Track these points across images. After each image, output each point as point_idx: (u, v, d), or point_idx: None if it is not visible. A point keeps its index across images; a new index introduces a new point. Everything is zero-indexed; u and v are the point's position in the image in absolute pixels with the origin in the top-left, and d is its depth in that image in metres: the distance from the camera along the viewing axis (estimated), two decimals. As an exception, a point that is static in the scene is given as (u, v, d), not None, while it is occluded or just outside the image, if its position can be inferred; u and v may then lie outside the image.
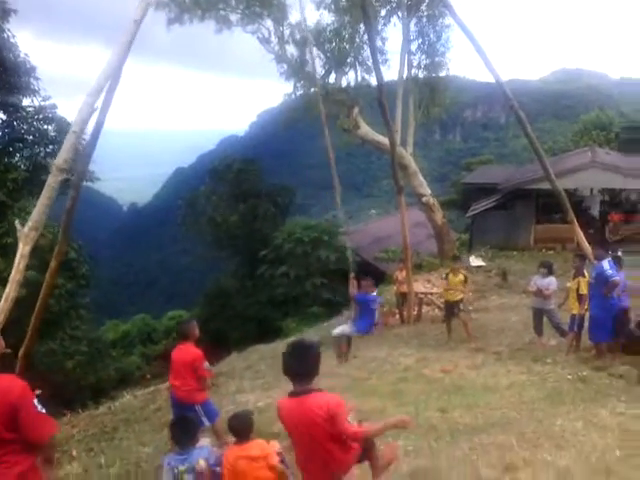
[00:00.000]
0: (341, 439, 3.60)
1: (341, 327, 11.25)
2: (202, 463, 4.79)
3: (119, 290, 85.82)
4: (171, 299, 56.95)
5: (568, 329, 9.67)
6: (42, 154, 19.71)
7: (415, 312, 14.86)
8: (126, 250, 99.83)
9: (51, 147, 20.52)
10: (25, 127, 19.63)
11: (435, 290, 16.62)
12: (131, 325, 35.84)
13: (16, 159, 20.21)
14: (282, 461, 4.83)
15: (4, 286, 16.84)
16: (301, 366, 3.57)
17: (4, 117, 20.05)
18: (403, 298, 14.63)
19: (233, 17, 21.62)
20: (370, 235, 29.18)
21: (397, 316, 15.13)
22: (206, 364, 6.34)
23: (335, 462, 3.67)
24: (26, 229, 6.40)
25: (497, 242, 21.40)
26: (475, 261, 19.14)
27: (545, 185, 12.15)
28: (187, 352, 6.33)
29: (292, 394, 3.60)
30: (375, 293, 11.39)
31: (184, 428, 4.80)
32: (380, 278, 20.81)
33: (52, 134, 20.02)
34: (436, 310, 15.32)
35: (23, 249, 6.34)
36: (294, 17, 20.85)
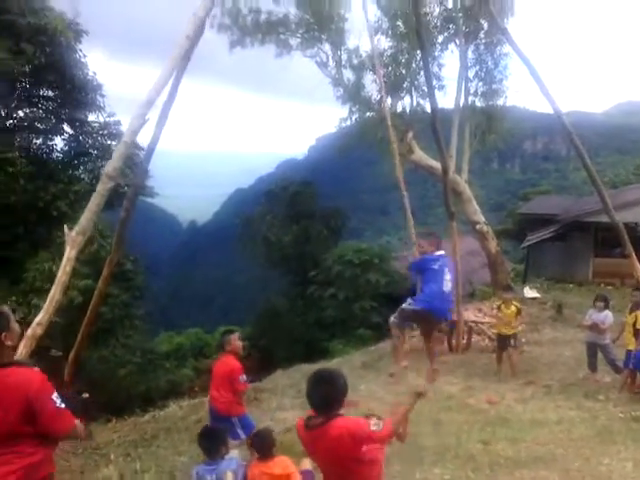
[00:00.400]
0: (366, 459, 3.46)
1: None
2: (230, 475, 4.80)
3: (176, 304, 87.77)
4: (226, 315, 57.68)
5: (623, 365, 9.24)
6: (103, 168, 20.54)
7: (464, 341, 14.51)
8: (185, 266, 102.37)
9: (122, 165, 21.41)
10: (90, 142, 20.49)
11: (486, 320, 16.19)
12: (185, 338, 36.50)
13: (79, 172, 21.11)
14: None
15: (65, 293, 17.64)
16: (324, 396, 3.39)
17: (71, 131, 21.02)
18: (452, 326, 14.31)
19: (293, 41, 22.11)
20: (424, 262, 28.81)
21: (445, 344, 14.81)
22: (243, 377, 6.36)
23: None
24: (73, 233, 6.67)
25: (553, 274, 20.78)
26: (530, 292, 18.58)
27: (604, 218, 11.74)
28: (226, 364, 6.39)
29: (309, 425, 3.41)
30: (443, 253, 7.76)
31: (211, 438, 4.84)
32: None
33: (113, 149, 20.84)
34: (486, 340, 14.90)
35: (70, 253, 6.59)
36: (352, 42, 21.17)
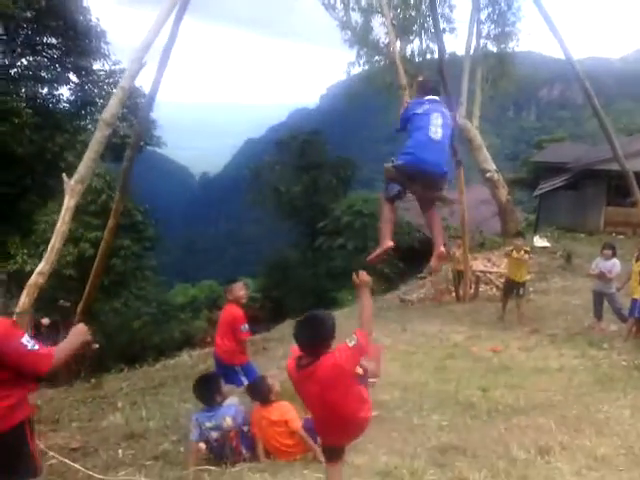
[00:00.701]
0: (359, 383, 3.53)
1: None
2: (229, 420, 4.86)
3: (190, 256, 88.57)
4: (239, 267, 58.13)
5: (628, 314, 9.17)
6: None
7: (472, 290, 14.52)
8: (198, 218, 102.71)
9: (121, 111, 21.18)
10: (96, 91, 20.27)
11: (495, 269, 16.15)
12: (199, 290, 36.91)
13: (86, 122, 20.93)
14: (307, 428, 4.83)
15: (76, 245, 17.78)
16: (311, 337, 3.39)
17: (77, 80, 20.76)
18: (459, 275, 14.29)
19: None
20: (434, 211, 28.55)
21: (453, 293, 14.84)
22: (245, 326, 6.36)
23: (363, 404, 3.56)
24: (72, 182, 6.57)
25: (565, 223, 20.52)
26: (539, 241, 18.42)
27: (617, 166, 11.38)
28: (229, 313, 6.41)
29: (300, 365, 3.42)
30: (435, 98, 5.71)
31: (205, 387, 4.91)
32: (441, 255, 20.42)
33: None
34: (494, 289, 14.89)
35: (69, 202, 6.50)
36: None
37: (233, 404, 5.29)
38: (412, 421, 5.98)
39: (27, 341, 3.01)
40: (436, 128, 5.12)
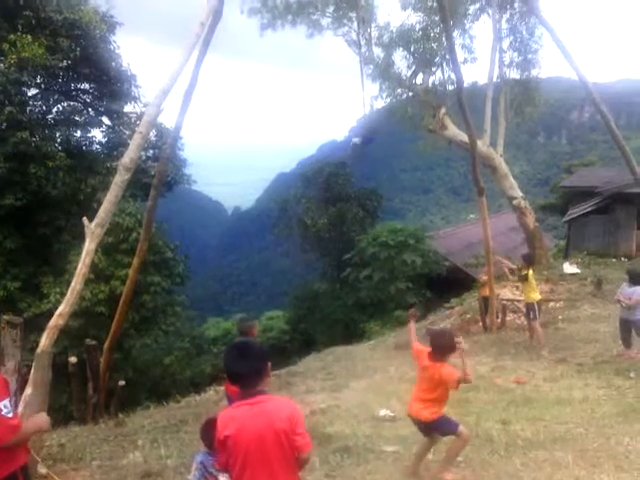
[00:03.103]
0: (293, 462, 3.12)
1: None
2: None
3: (223, 289, 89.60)
4: (271, 300, 58.53)
5: (657, 342, 8.94)
6: (143, 158, 20.80)
7: (499, 319, 14.29)
8: (231, 251, 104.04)
9: (151, 151, 21.80)
10: (127, 132, 20.83)
11: (523, 297, 15.88)
12: (231, 324, 37.13)
13: (118, 163, 21.55)
14: None
15: (107, 283, 18.20)
16: (248, 367, 3.11)
17: (109, 123, 21.48)
18: (486, 304, 14.10)
19: (324, 21, 21.97)
20: (463, 240, 28.42)
21: (480, 323, 14.62)
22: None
23: None
24: (92, 225, 6.79)
25: (595, 248, 20.12)
26: (569, 268, 18.07)
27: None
28: None
29: (245, 401, 3.10)
30: None
31: (212, 430, 4.77)
32: (469, 285, 20.25)
33: (152, 139, 21.09)
34: (522, 318, 14.62)
35: (89, 245, 6.69)
36: (382, 18, 20.88)
37: None
38: (428, 457, 5.91)
39: (4, 406, 3.04)
40: None
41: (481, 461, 5.74)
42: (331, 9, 21.77)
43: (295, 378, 11.76)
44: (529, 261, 11.85)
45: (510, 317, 14.81)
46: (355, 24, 21.70)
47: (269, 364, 3.20)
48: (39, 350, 6.15)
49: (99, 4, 20.11)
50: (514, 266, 12.33)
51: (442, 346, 5.08)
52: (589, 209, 21.00)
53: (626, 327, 9.75)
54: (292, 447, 3.04)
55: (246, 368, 3.11)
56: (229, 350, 3.26)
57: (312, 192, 30.42)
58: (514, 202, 20.34)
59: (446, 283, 22.58)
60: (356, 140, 12.63)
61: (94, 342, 10.31)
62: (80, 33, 19.21)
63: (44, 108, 20.87)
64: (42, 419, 3.51)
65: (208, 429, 4.80)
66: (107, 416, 9.41)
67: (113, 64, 20.51)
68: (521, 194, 20.73)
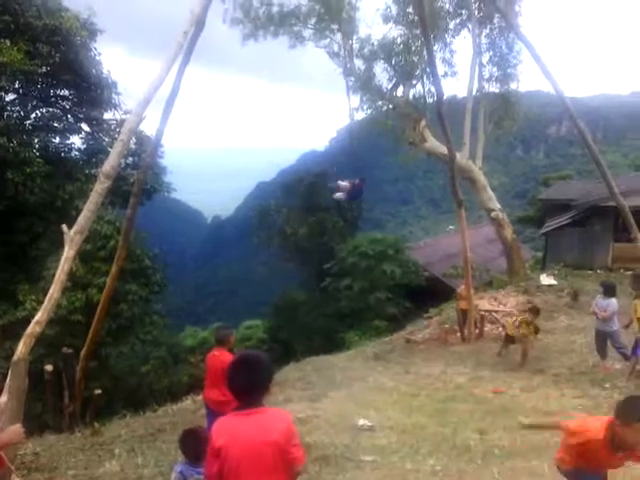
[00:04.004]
0: (287, 474, 3.08)
1: None
2: None
3: (201, 298, 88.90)
4: (250, 309, 58.14)
5: (631, 353, 9.08)
6: (122, 165, 20.62)
7: (477, 330, 14.43)
8: (210, 260, 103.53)
9: (131, 159, 21.65)
10: (107, 140, 20.69)
11: (501, 308, 16.07)
12: (209, 333, 36.74)
13: (97, 170, 21.36)
14: None
15: (84, 290, 17.98)
16: (252, 380, 3.06)
17: (88, 130, 21.31)
18: (464, 315, 14.23)
19: (306, 32, 22.11)
20: (442, 251, 28.65)
21: (458, 333, 14.75)
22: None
23: None
24: (72, 233, 6.72)
25: (572, 261, 20.42)
26: (546, 279, 18.32)
27: (625, 202, 11.37)
28: (219, 359, 6.41)
29: (240, 412, 3.06)
30: None
31: (191, 442, 4.65)
32: (448, 295, 20.41)
33: (132, 146, 20.94)
34: (500, 329, 14.78)
35: (68, 252, 6.62)
36: (363, 31, 21.10)
37: None
38: (406, 466, 5.95)
39: None
40: None
41: (458, 470, 5.79)
42: (313, 21, 21.94)
43: (273, 388, 11.68)
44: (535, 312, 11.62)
45: (488, 328, 14.97)
46: (337, 36, 21.94)
47: (269, 380, 3.15)
48: (15, 357, 6.05)
49: (80, 11, 19.99)
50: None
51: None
52: (566, 222, 21.34)
53: (601, 338, 9.91)
54: (286, 459, 3.01)
55: (251, 384, 3.06)
56: (237, 361, 3.19)
57: (292, 201, 30.45)
58: (492, 214, 20.59)
59: (425, 293, 22.73)
60: (340, 195, 12.56)
61: (70, 350, 10.20)
62: (60, 39, 19.05)
63: (22, 114, 20.63)
64: (15, 432, 3.45)
65: (188, 440, 4.72)
66: (83, 425, 9.30)
67: (93, 71, 20.34)
68: (499, 206, 21.01)
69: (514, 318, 11.97)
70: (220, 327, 7.16)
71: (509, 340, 11.63)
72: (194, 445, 4.56)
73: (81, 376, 9.97)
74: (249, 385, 3.05)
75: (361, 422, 7.75)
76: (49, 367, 9.47)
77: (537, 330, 11.31)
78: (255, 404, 3.03)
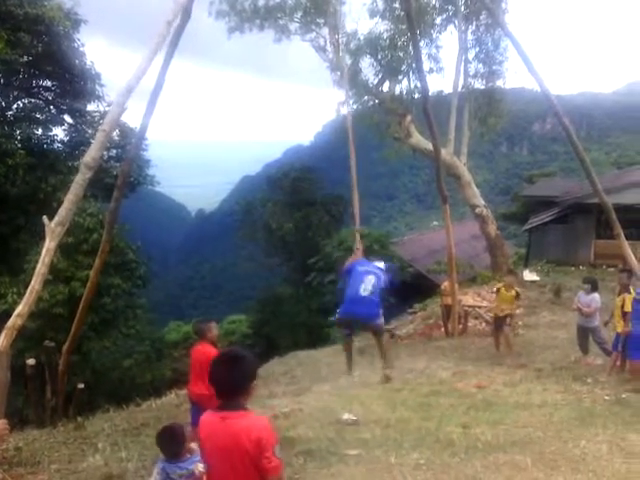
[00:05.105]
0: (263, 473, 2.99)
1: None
2: (200, 467, 4.60)
3: (185, 293, 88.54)
4: (234, 304, 58.07)
5: (612, 348, 9.20)
6: (105, 157, 20.38)
7: (461, 325, 14.54)
8: (194, 255, 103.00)
9: (115, 151, 21.45)
10: (90, 131, 20.47)
11: (484, 304, 16.21)
12: (192, 327, 36.57)
13: (80, 162, 21.14)
14: None
15: (67, 284, 17.80)
16: (231, 379, 2.94)
17: (71, 122, 21.05)
18: (448, 310, 14.33)
19: (292, 26, 22.00)
20: (426, 246, 28.80)
21: (442, 329, 14.85)
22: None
23: None
24: (53, 224, 6.63)
25: (555, 257, 20.66)
26: (529, 276, 18.51)
27: (607, 199, 11.52)
28: (202, 352, 6.37)
29: (218, 412, 2.99)
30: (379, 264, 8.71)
31: (169, 439, 4.50)
32: (432, 290, 20.52)
33: (116, 138, 20.74)
34: (483, 324, 14.93)
35: (49, 244, 6.53)
36: (350, 26, 21.04)
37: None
38: (390, 460, 5.95)
39: None
40: (366, 286, 7.38)
41: (442, 464, 5.80)
42: (299, 14, 21.84)
43: (257, 382, 11.72)
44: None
45: (472, 323, 15.10)
46: (323, 30, 21.85)
47: (255, 384, 3.01)
48: (-4, 351, 5.98)
49: (63, 0, 19.71)
50: None
51: None
52: (549, 218, 21.57)
53: (583, 334, 10.02)
54: (257, 469, 2.91)
55: (230, 383, 2.94)
56: (218, 358, 3.07)
57: (278, 196, 30.44)
58: (476, 210, 20.71)
59: (409, 289, 22.79)
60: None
61: (53, 344, 10.10)
62: (42, 29, 18.77)
63: (3, 104, 20.34)
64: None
65: (164, 438, 4.53)
66: (66, 419, 9.20)
67: (76, 61, 20.09)
68: (483, 202, 21.13)
69: (495, 288, 12.07)
70: (198, 320, 7.06)
71: (498, 323, 11.58)
72: (171, 443, 4.47)
73: (63, 370, 9.87)
74: (227, 384, 2.94)
75: (345, 416, 7.75)
76: (31, 361, 9.35)
77: (518, 295, 11.42)
78: (234, 406, 2.93)
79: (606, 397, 7.86)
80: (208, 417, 3.05)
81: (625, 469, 5.23)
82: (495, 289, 12.17)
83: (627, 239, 10.77)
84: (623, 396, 7.78)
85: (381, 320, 8.15)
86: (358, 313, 8.17)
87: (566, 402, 7.82)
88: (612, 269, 19.02)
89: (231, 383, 2.93)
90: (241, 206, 32.68)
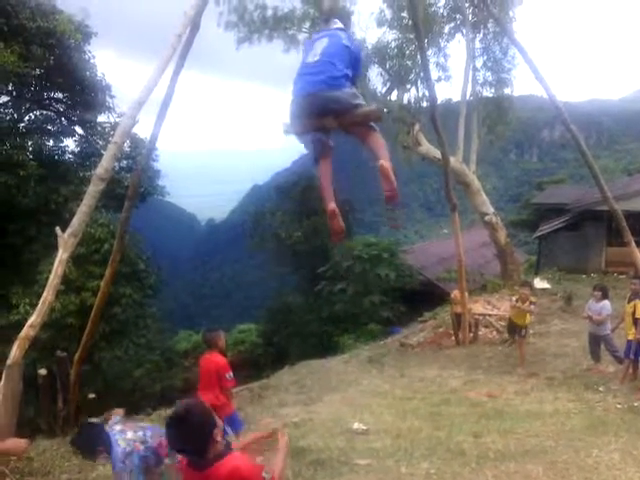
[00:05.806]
0: None
1: None
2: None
3: (195, 302, 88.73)
4: (244, 313, 58.10)
5: (624, 355, 9.12)
6: (116, 168, 20.51)
7: (471, 334, 14.45)
8: (204, 264, 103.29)
9: (125, 162, 21.58)
10: (101, 142, 20.61)
11: (495, 312, 16.12)
12: (201, 336, 36.53)
13: (91, 173, 21.27)
14: None
15: (78, 294, 17.91)
16: (188, 441, 2.76)
17: (82, 133, 21.23)
18: (459, 319, 14.26)
19: (300, 36, 22.11)
20: (436, 254, 28.71)
21: (452, 337, 14.77)
22: (230, 374, 6.37)
23: None
24: (65, 235, 6.70)
25: (566, 264, 20.52)
26: (540, 283, 18.39)
27: (617, 206, 11.44)
28: (212, 361, 6.41)
29: (192, 467, 2.85)
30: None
31: (86, 438, 4.14)
32: (442, 299, 20.44)
33: (126, 149, 20.84)
34: (494, 332, 14.82)
35: (62, 255, 6.59)
36: (358, 35, 21.05)
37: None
38: (400, 470, 5.94)
39: None
40: (316, 50, 4.13)
41: (453, 473, 5.78)
42: (307, 24, 21.97)
43: (268, 391, 11.71)
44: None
45: (482, 331, 15.00)
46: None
47: (216, 430, 2.81)
48: (10, 362, 6.02)
49: (74, 13, 19.94)
50: None
51: None
52: (559, 226, 21.46)
53: (595, 342, 9.95)
54: None
55: (184, 445, 2.78)
56: (169, 419, 2.81)
57: (287, 205, 30.44)
58: (486, 218, 20.64)
59: (419, 297, 22.78)
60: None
61: (64, 354, 10.14)
62: (54, 42, 18.98)
63: (15, 116, 20.55)
64: (17, 443, 3.46)
65: (82, 439, 4.14)
66: (77, 429, 9.23)
67: (87, 73, 20.27)
68: (493, 210, 21.07)
69: (513, 300, 11.86)
70: (207, 330, 7.09)
71: (512, 330, 11.55)
72: (89, 443, 4.10)
73: (75, 380, 9.91)
74: (188, 448, 2.79)
75: (356, 426, 7.75)
76: (43, 371, 9.43)
77: (532, 303, 11.28)
78: (207, 461, 2.77)
79: (618, 405, 7.81)
80: (183, 466, 2.93)
81: (638, 478, 5.18)
82: (511, 305, 11.75)
83: (638, 246, 10.68)
84: (635, 404, 7.73)
85: (351, 90, 3.61)
86: (307, 88, 4.02)
87: (578, 411, 7.77)
88: (623, 276, 18.87)
89: (191, 445, 2.76)
90: (250, 215, 32.73)
